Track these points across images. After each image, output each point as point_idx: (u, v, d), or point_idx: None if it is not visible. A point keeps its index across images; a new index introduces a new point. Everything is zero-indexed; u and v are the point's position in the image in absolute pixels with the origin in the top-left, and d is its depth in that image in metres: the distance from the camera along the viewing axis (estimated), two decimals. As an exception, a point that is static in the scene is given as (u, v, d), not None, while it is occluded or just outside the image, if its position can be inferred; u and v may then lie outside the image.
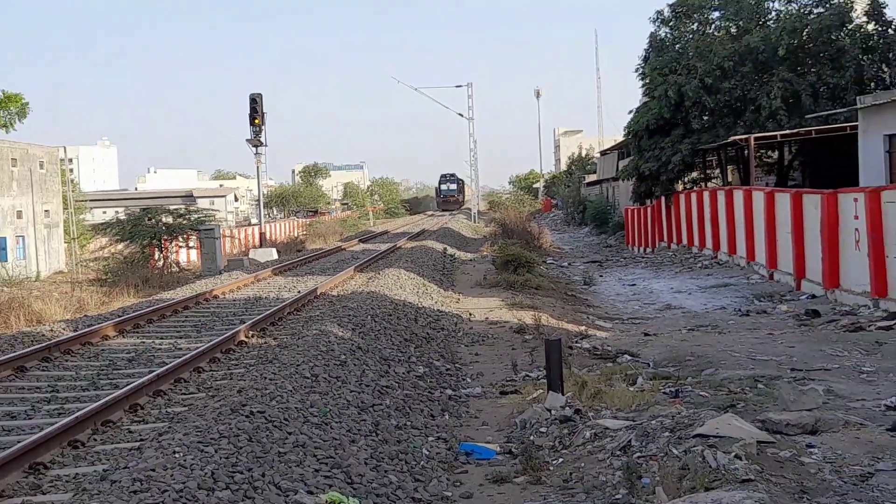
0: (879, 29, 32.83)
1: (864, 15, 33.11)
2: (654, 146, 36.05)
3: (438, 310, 18.43)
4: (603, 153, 73.27)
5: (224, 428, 7.76)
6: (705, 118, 34.45)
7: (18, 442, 7.79)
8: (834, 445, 7.57)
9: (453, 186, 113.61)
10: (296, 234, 62.77)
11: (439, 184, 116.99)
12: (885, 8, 32.89)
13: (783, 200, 22.91)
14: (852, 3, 33.33)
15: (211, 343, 12.85)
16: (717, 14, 36.13)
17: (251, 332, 14.26)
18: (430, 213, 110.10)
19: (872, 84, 30.90)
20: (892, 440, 7.79)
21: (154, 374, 10.56)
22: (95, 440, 8.40)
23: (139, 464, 6.92)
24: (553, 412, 9.30)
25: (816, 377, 11.10)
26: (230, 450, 7.16)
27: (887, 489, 6.50)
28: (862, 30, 32.87)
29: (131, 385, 9.95)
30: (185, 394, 10.41)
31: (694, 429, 7.45)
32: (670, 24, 37.15)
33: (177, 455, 6.93)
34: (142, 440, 8.25)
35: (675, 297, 22.36)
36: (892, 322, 14.97)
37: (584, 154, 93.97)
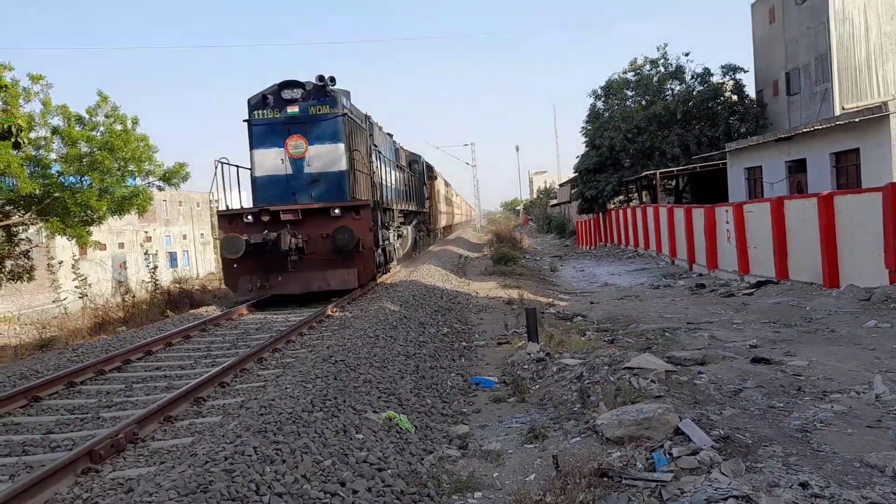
0: (739, 99, 32.89)
1: (730, 90, 33.26)
2: (593, 179, 36.10)
3: (456, 290, 18.39)
4: (561, 185, 73.01)
5: (318, 371, 7.79)
6: (627, 160, 34.44)
7: (186, 384, 7.87)
8: (716, 372, 7.51)
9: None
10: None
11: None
12: (744, 86, 33.18)
13: (679, 212, 22.78)
14: (724, 83, 33.34)
15: (308, 316, 12.87)
16: (632, 92, 36.09)
17: (335, 309, 14.25)
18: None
19: (736, 135, 30.76)
20: (754, 367, 7.73)
21: (273, 337, 10.62)
22: (236, 381, 8.44)
23: (263, 396, 6.96)
24: (532, 355, 9.28)
25: (703, 328, 11.03)
26: (322, 385, 7.18)
27: (750, 399, 6.45)
28: (729, 100, 32.91)
29: (258, 345, 10.02)
30: (292, 349, 10.43)
31: (624, 363, 7.42)
32: (602, 98, 37.16)
33: (288, 390, 6.97)
34: (265, 381, 8.29)
35: (610, 277, 22.24)
36: (753, 290, 14.86)
37: (548, 186, 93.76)
